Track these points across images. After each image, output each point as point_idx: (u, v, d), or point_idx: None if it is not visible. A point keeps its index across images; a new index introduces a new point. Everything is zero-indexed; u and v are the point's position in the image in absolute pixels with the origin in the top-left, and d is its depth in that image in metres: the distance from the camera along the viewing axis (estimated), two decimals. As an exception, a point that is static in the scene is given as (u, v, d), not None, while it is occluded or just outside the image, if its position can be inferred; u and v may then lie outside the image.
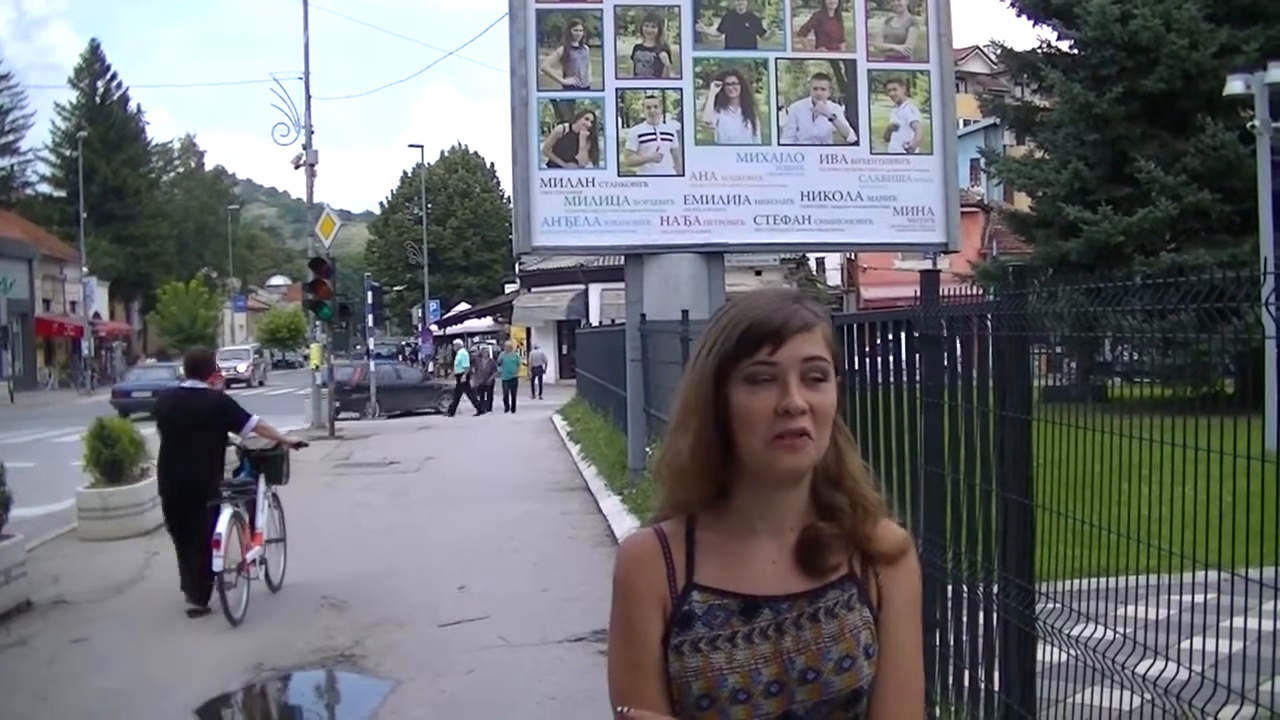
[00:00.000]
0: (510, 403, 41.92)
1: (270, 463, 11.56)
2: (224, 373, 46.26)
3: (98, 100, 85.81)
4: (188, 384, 11.36)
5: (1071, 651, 4.81)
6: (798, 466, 2.09)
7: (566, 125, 14.94)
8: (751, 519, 2.17)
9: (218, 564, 10.04)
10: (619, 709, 2.13)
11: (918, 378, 6.19)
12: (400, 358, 67.15)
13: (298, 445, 12.56)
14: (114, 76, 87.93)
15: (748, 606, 2.14)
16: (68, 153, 79.43)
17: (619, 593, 2.22)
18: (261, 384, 68.62)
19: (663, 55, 14.98)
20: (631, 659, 2.17)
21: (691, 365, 2.19)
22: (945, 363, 5.98)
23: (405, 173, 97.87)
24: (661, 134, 14.95)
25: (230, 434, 11.20)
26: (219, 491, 10.68)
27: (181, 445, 10.80)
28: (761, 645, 2.11)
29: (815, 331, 2.11)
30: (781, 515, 2.17)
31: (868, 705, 2.14)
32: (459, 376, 39.94)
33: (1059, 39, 28.40)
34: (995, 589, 5.41)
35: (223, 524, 10.22)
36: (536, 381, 49.14)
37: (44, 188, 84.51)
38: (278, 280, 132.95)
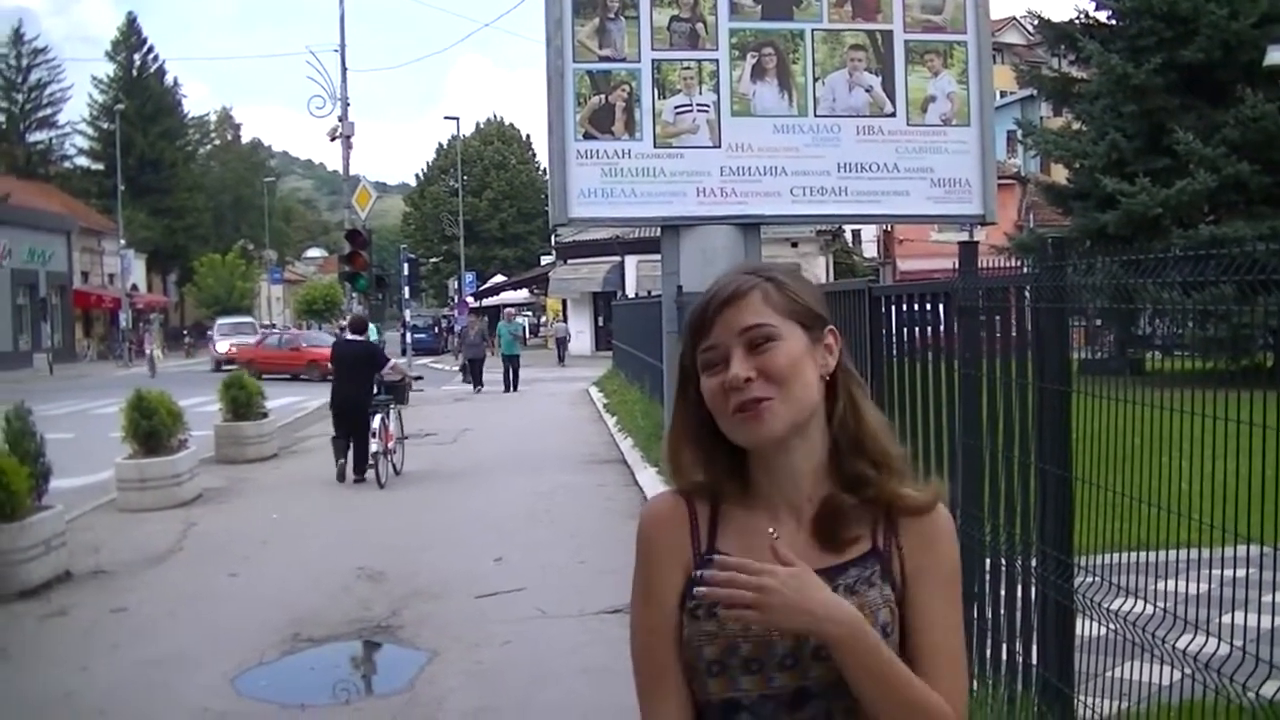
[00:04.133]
0: (510, 381, 35.43)
1: (398, 389, 17.96)
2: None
3: (135, 73, 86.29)
4: (350, 337, 18.13)
5: (1110, 625, 4.79)
6: (762, 433, 2.08)
7: (602, 97, 14.86)
8: (768, 494, 2.15)
9: (375, 446, 16.31)
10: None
11: (956, 349, 6.16)
12: (437, 330, 67.21)
13: (417, 378, 23.03)
14: (151, 49, 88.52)
15: None
16: (105, 126, 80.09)
17: (641, 552, 2.21)
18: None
19: (699, 26, 14.88)
20: (649, 621, 2.16)
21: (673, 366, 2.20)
22: (983, 334, 5.94)
23: (441, 145, 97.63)
24: (698, 105, 14.86)
25: (376, 371, 17.21)
26: (371, 405, 16.56)
27: (348, 376, 17.13)
28: None
29: (747, 298, 2.11)
30: (793, 487, 2.14)
31: None
32: None
33: (1097, 9, 28.11)
34: (1034, 563, 5.39)
35: (376, 424, 16.40)
36: (561, 351, 52.49)
37: (82, 161, 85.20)
38: (314, 252, 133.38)
